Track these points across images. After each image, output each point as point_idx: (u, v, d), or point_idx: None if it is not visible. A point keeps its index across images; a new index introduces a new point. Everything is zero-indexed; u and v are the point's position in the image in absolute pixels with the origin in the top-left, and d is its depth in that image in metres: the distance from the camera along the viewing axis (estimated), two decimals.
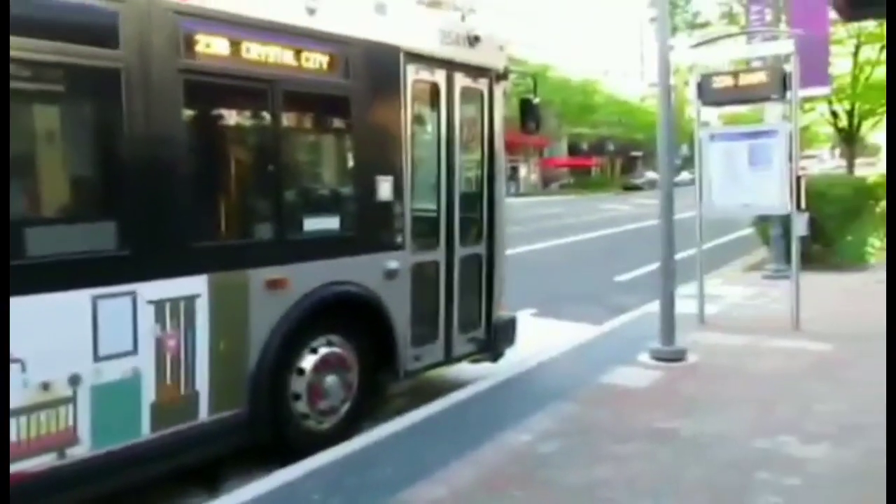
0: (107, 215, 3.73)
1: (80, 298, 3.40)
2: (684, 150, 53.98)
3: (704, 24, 21.54)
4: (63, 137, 3.89)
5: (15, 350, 3.13)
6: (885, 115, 22.48)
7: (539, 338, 6.83)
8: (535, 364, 6.18)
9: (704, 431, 4.54)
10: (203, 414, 3.94)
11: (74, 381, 3.39)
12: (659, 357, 6.20)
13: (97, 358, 3.46)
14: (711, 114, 16.73)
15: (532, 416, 4.85)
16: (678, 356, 6.20)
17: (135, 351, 3.61)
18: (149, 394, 3.68)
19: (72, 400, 3.38)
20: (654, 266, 6.51)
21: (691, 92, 8.06)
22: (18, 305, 3.09)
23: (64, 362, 3.36)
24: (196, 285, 3.87)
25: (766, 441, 4.36)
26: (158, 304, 3.70)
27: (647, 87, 65.59)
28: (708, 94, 7.85)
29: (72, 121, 3.95)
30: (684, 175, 41.53)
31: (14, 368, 3.16)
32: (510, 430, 4.62)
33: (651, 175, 59.44)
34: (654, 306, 6.60)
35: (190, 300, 3.84)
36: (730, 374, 5.84)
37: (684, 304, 7.17)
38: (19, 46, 3.21)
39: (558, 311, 8.82)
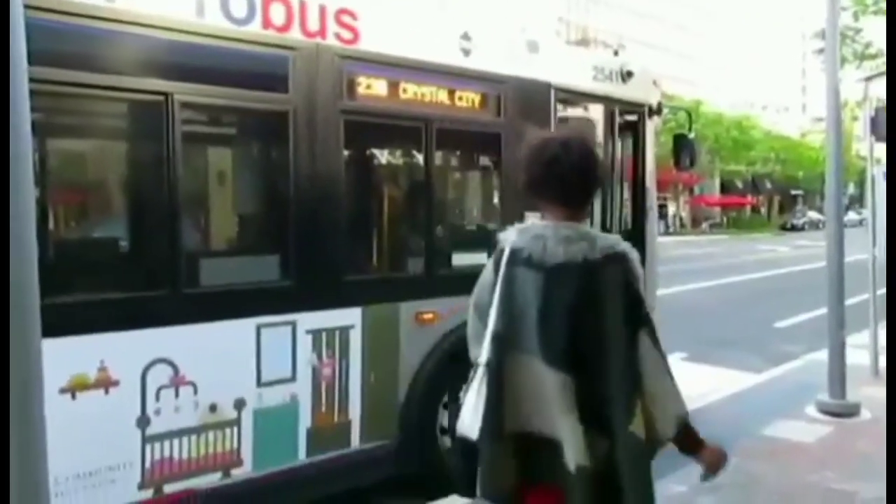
0: (271, 248, 3.98)
1: (246, 326, 3.62)
2: (851, 188, 50.29)
3: (875, 55, 20.04)
4: (234, 176, 4.22)
5: (188, 373, 3.38)
6: None
7: (690, 384, 6.46)
8: (691, 410, 5.84)
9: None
10: (355, 442, 4.05)
11: (239, 404, 3.59)
12: (828, 411, 5.70)
13: (260, 383, 3.66)
14: (883, 150, 15.54)
15: (689, 465, 4.56)
16: (851, 411, 5.67)
17: (293, 378, 3.78)
18: (305, 419, 3.83)
19: (236, 422, 3.58)
20: (818, 312, 6.04)
21: (861, 127, 7.48)
22: (192, 332, 3.35)
23: (230, 386, 3.58)
24: (351, 317, 4.01)
25: None
26: (316, 334, 3.86)
27: (808, 122, 61.90)
28: (883, 129, 7.25)
29: (242, 160, 4.27)
30: (851, 215, 38.57)
31: (187, 391, 3.40)
32: (666, 479, 4.37)
33: (812, 215, 55.77)
34: (820, 355, 6.11)
35: (345, 331, 3.98)
36: None
37: (855, 354, 6.57)
38: (203, 93, 3.52)
39: (711, 357, 8.35)
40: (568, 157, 2.16)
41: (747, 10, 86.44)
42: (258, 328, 3.65)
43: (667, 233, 44.37)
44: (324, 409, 3.90)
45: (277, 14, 3.74)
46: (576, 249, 2.09)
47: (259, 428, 3.64)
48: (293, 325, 3.78)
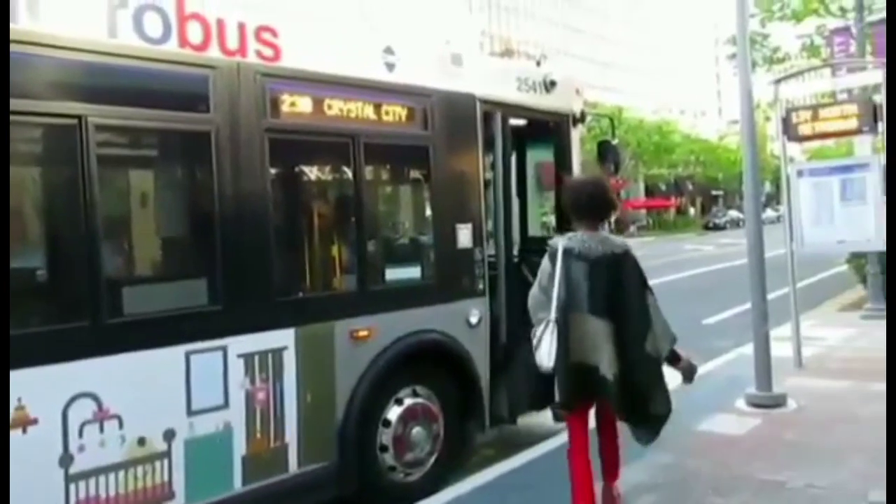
0: (198, 272, 3.87)
1: (174, 354, 3.50)
2: (767, 187, 52.48)
3: (783, 59, 21.00)
4: (157, 199, 4.08)
5: (113, 407, 3.24)
6: None
7: None
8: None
9: (814, 483, 4.25)
10: (293, 466, 3.96)
11: (169, 435, 3.47)
12: (756, 403, 5.89)
13: (190, 412, 3.54)
14: (795, 149, 16.24)
15: (626, 466, 4.64)
16: (777, 402, 5.88)
17: (226, 405, 3.68)
18: (240, 447, 3.73)
19: (167, 454, 3.46)
20: (743, 308, 6.25)
21: (774, 128, 7.81)
22: (116, 363, 3.22)
23: (159, 417, 3.45)
24: (283, 338, 3.93)
25: (884, 493, 4.04)
26: (248, 358, 3.77)
27: (725, 125, 64.36)
28: (794, 130, 7.60)
29: (164, 183, 4.15)
30: (768, 212, 40.21)
31: (112, 425, 3.26)
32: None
33: (733, 214, 57.92)
34: (747, 349, 6.31)
35: (278, 353, 3.90)
36: (835, 420, 5.49)
37: (779, 346, 6.82)
38: (118, 115, 3.40)
39: None
40: (598, 193, 3.75)
41: (664, 18, 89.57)
42: (187, 355, 3.53)
43: None
44: (259, 434, 3.80)
45: (194, 33, 3.65)
46: (606, 247, 3.63)
47: (191, 459, 3.52)
48: (224, 350, 3.68)
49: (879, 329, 8.61)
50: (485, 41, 61.84)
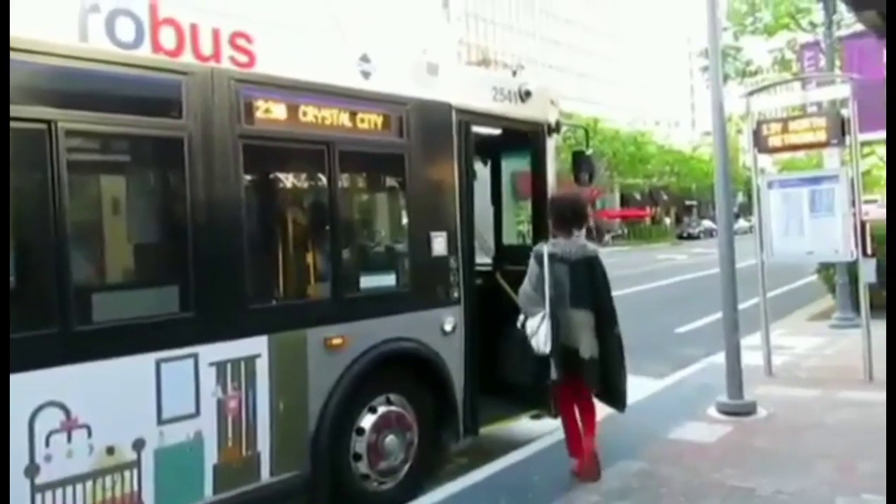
0: (169, 279, 3.84)
1: (144, 362, 3.46)
2: (740, 197, 53.17)
3: (755, 72, 21.37)
4: (129, 205, 4.04)
5: (81, 416, 3.20)
6: None
7: None
8: (599, 420, 5.99)
9: (782, 489, 4.31)
10: (265, 475, 3.93)
11: (139, 445, 3.42)
12: (727, 411, 5.96)
13: (161, 421, 3.50)
14: (766, 161, 16.49)
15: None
16: (747, 410, 5.95)
17: (197, 413, 3.64)
18: (211, 455, 3.69)
19: (136, 464, 3.41)
20: (716, 317, 6.33)
21: (746, 140, 7.94)
22: (85, 371, 3.18)
23: (128, 426, 3.41)
24: (256, 346, 3.90)
25: (850, 499, 4.13)
26: (220, 366, 3.74)
27: (699, 137, 65.20)
28: (765, 142, 7.72)
29: (136, 189, 4.11)
30: (742, 223, 40.76)
31: (81, 434, 3.22)
32: (577, 489, 4.47)
33: (707, 224, 58.62)
34: (719, 358, 6.39)
35: (250, 361, 3.87)
36: (804, 428, 5.57)
37: (750, 355, 6.93)
38: (90, 120, 3.37)
39: None
40: (579, 208, 4.77)
41: (641, 32, 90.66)
42: (157, 363, 3.49)
43: None
44: (231, 443, 3.77)
45: (168, 38, 3.63)
46: (582, 251, 4.60)
47: (161, 468, 3.48)
48: (195, 357, 3.64)
49: (846, 338, 8.79)
50: (462, 50, 62.14)
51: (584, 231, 4.88)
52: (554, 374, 4.44)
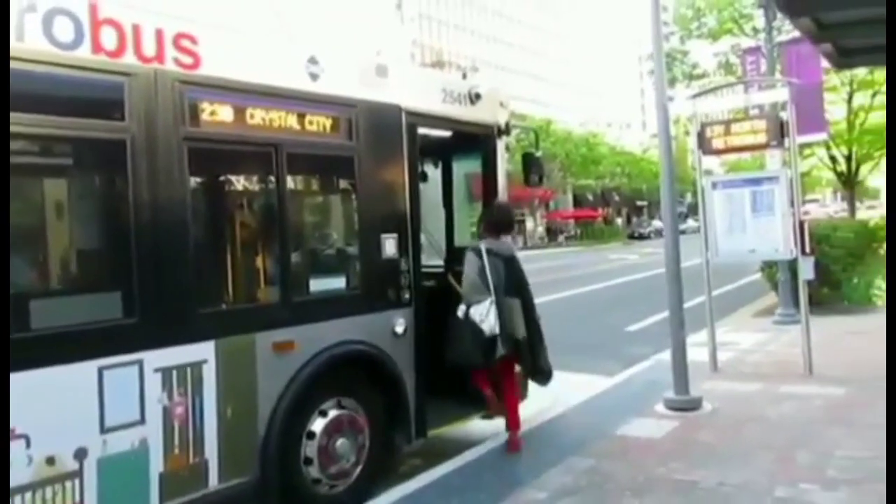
0: (113, 284, 3.76)
1: (85, 370, 3.38)
2: (689, 198, 54.33)
3: (702, 75, 21.90)
4: (70, 209, 3.95)
5: (19, 426, 3.11)
6: (883, 159, 22.82)
7: (551, 391, 6.73)
8: (549, 418, 6.09)
9: (725, 482, 4.43)
10: (213, 482, 3.88)
11: (81, 454, 3.35)
12: (674, 407, 6.10)
13: (104, 429, 3.43)
14: (713, 162, 16.91)
15: (548, 472, 4.76)
16: (693, 405, 6.10)
17: (142, 420, 3.58)
18: (157, 464, 3.63)
19: (78, 474, 3.34)
20: (665, 315, 6.45)
21: (692, 141, 8.13)
22: (22, 380, 3.09)
23: (70, 436, 3.33)
24: (203, 351, 3.85)
25: (788, 489, 4.26)
26: (166, 372, 3.68)
27: (648, 139, 66.43)
28: (708, 144, 7.92)
29: (77, 192, 4.02)
30: (690, 222, 41.68)
31: (19, 445, 3.13)
32: (527, 487, 4.53)
33: (658, 224, 59.68)
34: (667, 355, 6.52)
35: (197, 366, 3.82)
36: (746, 421, 5.73)
37: (696, 352, 7.10)
38: (26, 122, 3.29)
39: (570, 364, 8.66)
40: (511, 217, 5.84)
41: (592, 34, 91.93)
42: (100, 370, 3.42)
43: (525, 247, 45.96)
44: (177, 450, 3.71)
45: (109, 38, 3.56)
46: (508, 249, 5.35)
47: (105, 477, 3.41)
48: (140, 364, 3.58)
49: (788, 334, 9.08)
50: (416, 52, 62.14)
51: (509, 237, 5.62)
52: (501, 350, 5.02)
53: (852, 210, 21.95)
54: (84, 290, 3.84)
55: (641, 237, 57.74)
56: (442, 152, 6.43)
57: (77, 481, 3.33)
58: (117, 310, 3.63)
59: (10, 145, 3.00)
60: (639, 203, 72.74)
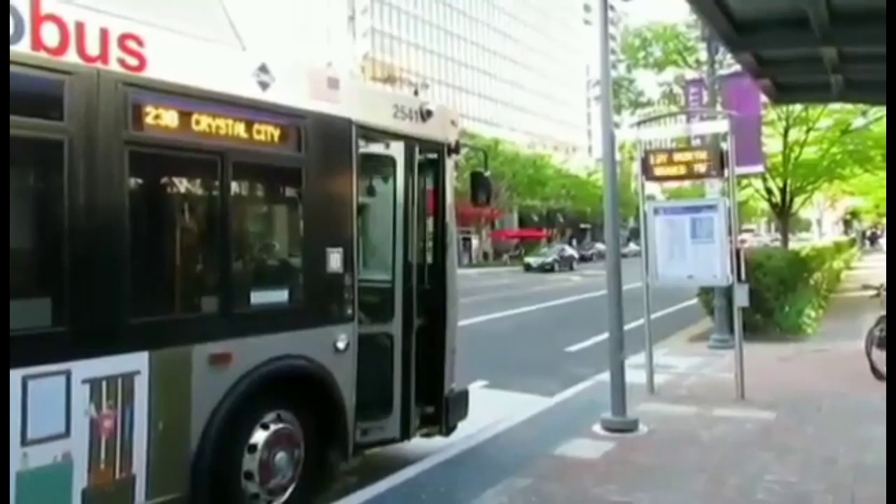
0: (41, 291, 3.61)
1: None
2: (631, 222, 55.51)
3: (647, 103, 22.48)
4: None
5: None
6: (812, 193, 23.76)
7: (491, 410, 6.75)
8: (488, 437, 6.08)
9: (659, 503, 4.49)
10: (140, 498, 3.73)
11: None
12: (611, 428, 6.18)
13: (25, 442, 3.27)
14: (656, 188, 17.35)
15: (485, 492, 4.74)
16: (630, 427, 6.19)
17: (67, 433, 3.42)
18: (81, 479, 3.47)
19: None
20: (605, 336, 6.56)
21: (636, 167, 8.31)
22: None
23: None
24: (135, 362, 3.72)
25: None
26: (94, 383, 3.53)
27: (594, 163, 67.75)
28: (652, 170, 8.12)
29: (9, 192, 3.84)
30: (632, 246, 42.56)
31: None
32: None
33: (600, 246, 60.69)
34: (606, 376, 6.61)
35: (128, 378, 3.68)
36: (681, 444, 5.84)
37: (634, 374, 7.21)
38: None
39: (510, 383, 8.76)
40: None
41: (545, 59, 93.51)
42: (24, 380, 3.26)
43: (470, 265, 46.19)
44: (103, 465, 3.56)
45: (50, 35, 3.44)
46: None
47: (24, 492, 3.24)
48: (67, 374, 3.42)
49: (722, 359, 9.32)
50: (367, 66, 62.12)
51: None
52: None
53: (785, 240, 22.79)
54: (11, 295, 3.66)
55: (584, 259, 58.42)
56: (392, 168, 6.40)
57: None
58: (46, 317, 3.48)
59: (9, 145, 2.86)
60: (582, 226, 73.97)
